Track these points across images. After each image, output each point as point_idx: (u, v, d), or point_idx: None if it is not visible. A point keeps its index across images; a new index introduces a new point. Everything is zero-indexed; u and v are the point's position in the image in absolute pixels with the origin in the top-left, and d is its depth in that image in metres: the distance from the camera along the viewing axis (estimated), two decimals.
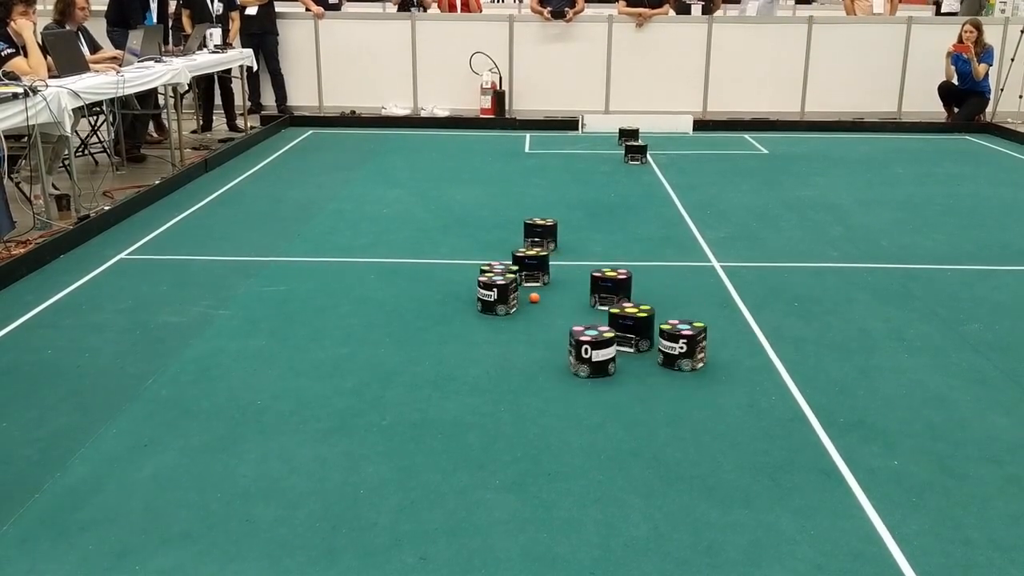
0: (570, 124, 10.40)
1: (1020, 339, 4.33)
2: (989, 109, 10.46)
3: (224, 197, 7.18)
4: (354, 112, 10.84)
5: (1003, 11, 12.89)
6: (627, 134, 9.32)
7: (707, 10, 11.08)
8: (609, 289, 4.70)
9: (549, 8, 10.76)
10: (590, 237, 6.03)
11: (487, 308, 4.60)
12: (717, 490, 3.06)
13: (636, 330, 4.16)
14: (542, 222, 5.72)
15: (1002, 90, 10.47)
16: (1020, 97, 10.43)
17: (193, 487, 3.07)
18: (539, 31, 10.88)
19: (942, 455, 3.27)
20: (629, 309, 4.23)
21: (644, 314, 4.17)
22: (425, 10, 11.24)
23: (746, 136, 10.00)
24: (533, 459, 3.25)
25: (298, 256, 5.63)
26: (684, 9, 11.11)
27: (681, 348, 3.94)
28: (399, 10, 11.24)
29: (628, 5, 10.86)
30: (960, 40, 10.09)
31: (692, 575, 2.63)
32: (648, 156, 8.57)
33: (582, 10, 10.85)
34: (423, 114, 10.87)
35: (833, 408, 3.62)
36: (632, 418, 3.56)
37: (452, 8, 11.35)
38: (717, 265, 5.44)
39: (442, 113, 10.83)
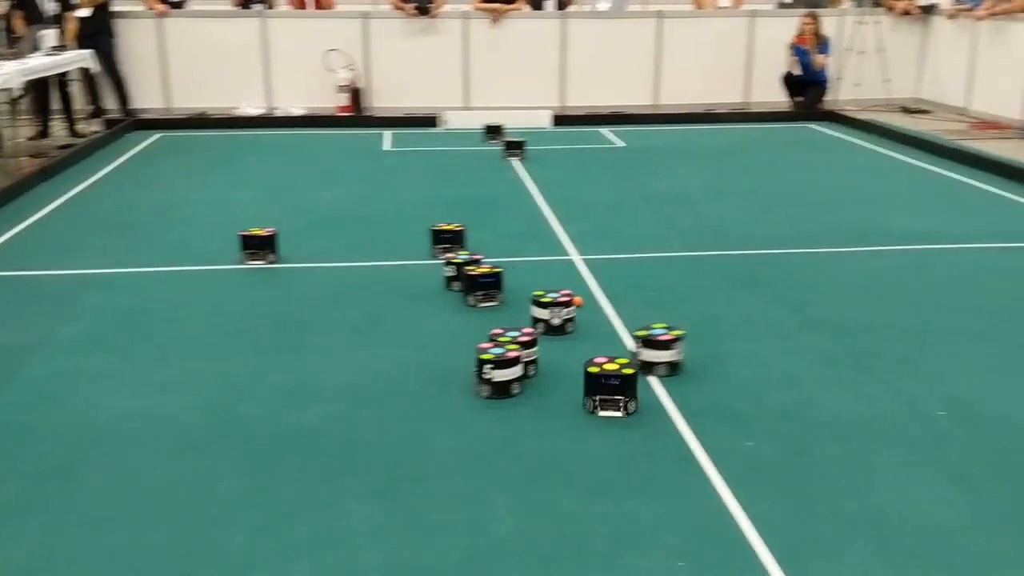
0: (430, 121, 10.34)
1: (862, 319, 4.55)
2: (829, 97, 11.00)
3: (65, 206, 6.80)
4: (204, 113, 10.46)
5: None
6: (493, 130, 9.35)
7: (561, 5, 11.22)
8: (487, 285, 4.64)
9: (414, 3, 10.65)
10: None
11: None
12: (579, 483, 3.09)
13: (623, 390, 3.52)
14: (448, 227, 5.49)
15: (840, 79, 11.03)
16: (856, 85, 11.00)
17: (33, 518, 2.87)
18: (394, 27, 10.77)
19: (792, 435, 3.40)
20: (607, 365, 3.55)
21: (629, 371, 3.54)
22: (271, 7, 10.94)
23: (603, 130, 10.19)
24: (397, 465, 3.20)
25: (147, 266, 5.38)
26: (538, 5, 11.21)
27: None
28: (242, 7, 10.85)
29: (483, 1, 10.88)
30: (800, 32, 10.56)
31: (557, 570, 2.64)
32: (525, 151, 8.57)
33: (444, 3, 10.80)
34: (278, 113, 10.59)
35: (689, 394, 3.71)
36: (494, 415, 3.56)
37: (302, 5, 11.09)
38: (577, 259, 5.51)
39: (298, 112, 10.58)
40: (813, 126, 10.46)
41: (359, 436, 3.40)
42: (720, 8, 11.68)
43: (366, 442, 3.35)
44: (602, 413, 3.52)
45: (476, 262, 4.86)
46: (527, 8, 11.08)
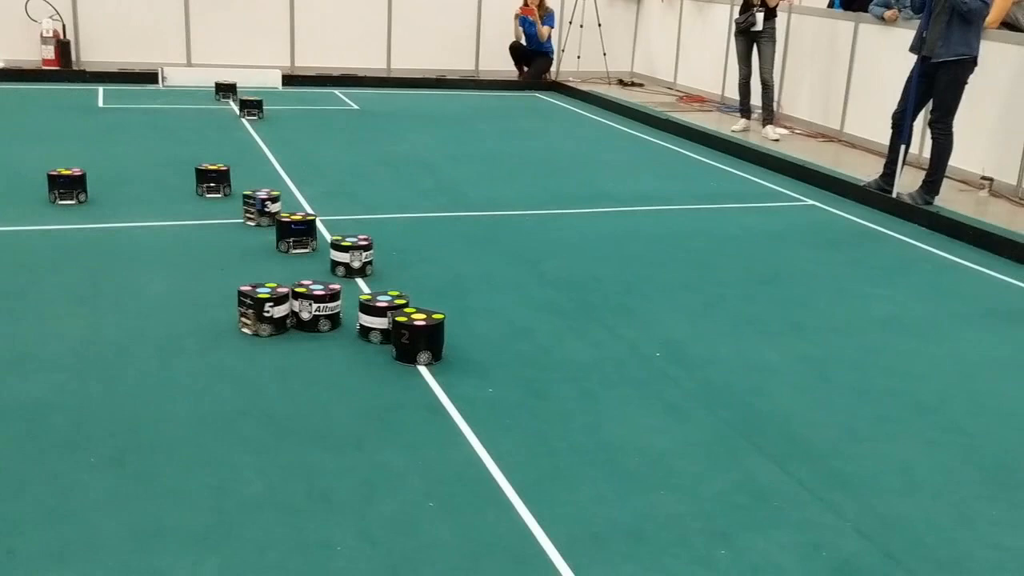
0: (150, 77, 9.71)
1: (586, 273, 4.89)
2: (553, 68, 11.54)
3: None
4: None
5: None
6: (225, 88, 8.94)
7: None
8: (300, 231, 4.80)
9: None
10: (180, 196, 5.72)
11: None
12: (329, 438, 3.11)
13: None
14: (214, 167, 5.76)
15: (563, 51, 11.60)
16: (578, 58, 11.62)
17: None
18: None
19: (529, 379, 3.62)
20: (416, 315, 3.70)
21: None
22: None
23: (336, 92, 10.07)
24: (131, 433, 3.05)
25: None
26: None
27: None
28: None
29: None
30: (526, 3, 10.97)
31: (308, 521, 2.66)
32: (264, 111, 8.28)
33: None
34: None
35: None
36: (239, 377, 3.48)
37: None
38: (317, 219, 5.44)
39: None
40: (539, 95, 10.94)
41: (88, 406, 3.20)
42: None
43: (97, 412, 3.17)
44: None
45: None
46: None
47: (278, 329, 3.84)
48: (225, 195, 5.74)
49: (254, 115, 8.22)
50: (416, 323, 3.64)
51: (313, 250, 4.85)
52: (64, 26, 9.75)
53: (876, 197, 6.62)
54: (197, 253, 4.80)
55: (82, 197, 5.43)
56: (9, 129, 7.34)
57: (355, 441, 3.10)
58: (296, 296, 3.90)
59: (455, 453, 3.07)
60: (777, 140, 8.51)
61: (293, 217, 4.86)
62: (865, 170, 7.28)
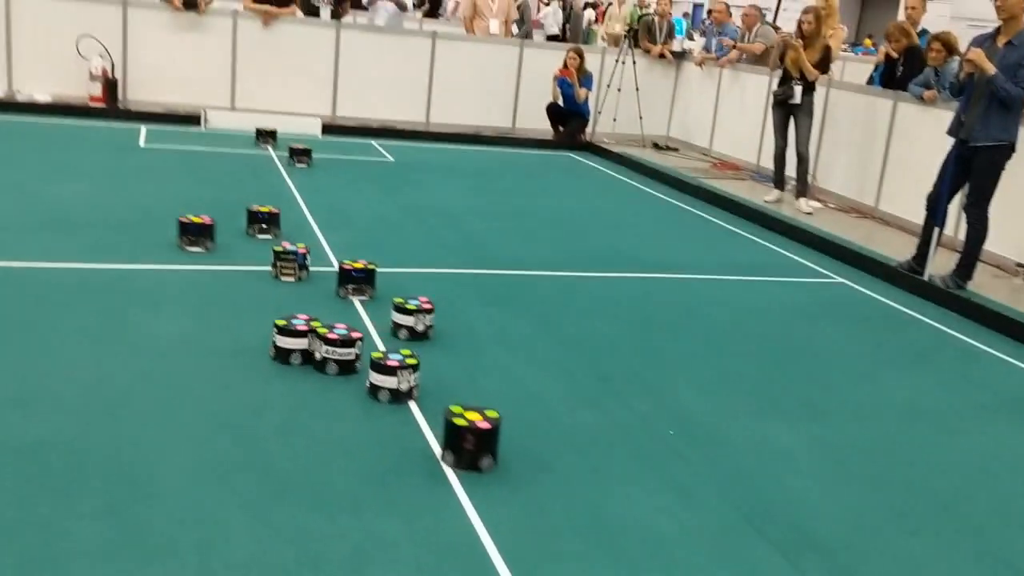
0: (192, 119, 9.88)
1: (603, 338, 4.82)
2: (588, 129, 11.59)
3: None
4: None
5: (603, 40, 14.29)
6: (265, 135, 9.09)
7: (336, 14, 11.10)
8: (359, 279, 4.95)
9: None
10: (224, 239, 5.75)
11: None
12: (326, 499, 3.05)
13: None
14: (265, 209, 5.88)
15: (599, 113, 11.66)
16: (614, 120, 11.67)
17: None
18: (158, 18, 10.20)
19: (534, 449, 3.54)
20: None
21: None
22: None
23: (373, 143, 10.17)
24: (127, 482, 3.02)
25: None
26: (313, 11, 11.03)
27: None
28: None
29: (254, 2, 10.55)
30: (565, 65, 11.07)
31: None
32: (312, 158, 8.40)
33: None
34: (19, 98, 9.72)
35: (441, 410, 3.75)
36: (243, 429, 3.45)
37: None
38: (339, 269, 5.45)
39: (43, 99, 9.76)
40: (573, 155, 10.98)
41: (87, 450, 3.18)
42: (491, 35, 12.01)
43: (95, 456, 3.14)
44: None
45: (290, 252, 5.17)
46: (300, 14, 10.87)
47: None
48: (274, 236, 5.84)
49: (303, 163, 8.33)
50: (480, 426, 3.31)
51: (371, 298, 4.95)
52: (113, 65, 9.97)
53: (907, 278, 6.51)
54: (217, 298, 4.80)
55: (209, 245, 5.51)
56: (47, 163, 7.47)
57: (352, 505, 3.04)
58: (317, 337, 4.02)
59: (452, 524, 3.00)
60: (810, 213, 8.44)
61: (355, 265, 5.02)
62: (898, 249, 7.17)
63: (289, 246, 5.21)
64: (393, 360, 3.82)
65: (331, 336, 3.99)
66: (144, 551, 2.68)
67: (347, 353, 4.00)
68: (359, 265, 5.03)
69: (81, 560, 2.60)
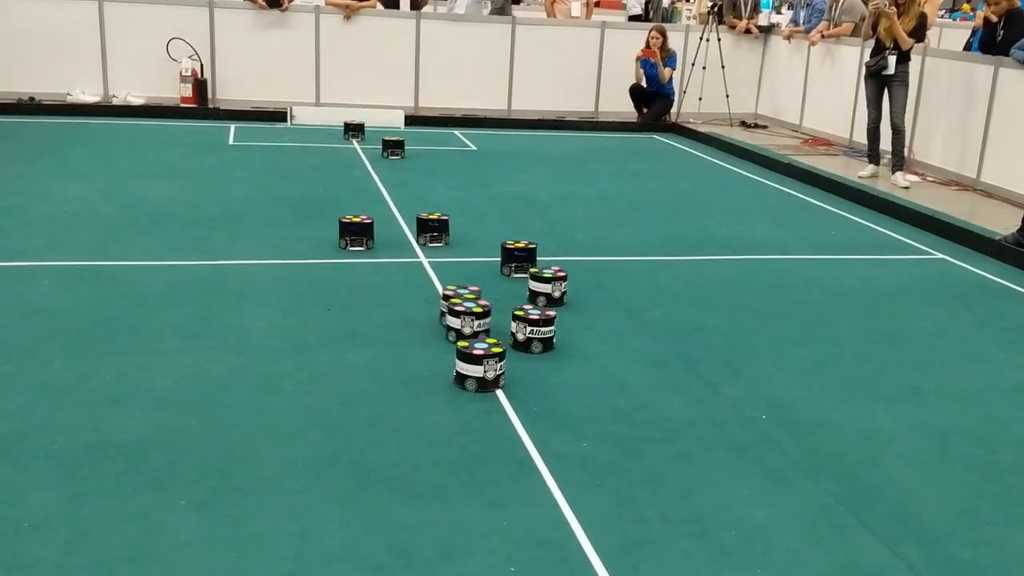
0: (279, 116, 10.09)
1: (691, 323, 4.73)
2: (673, 110, 11.39)
3: None
4: (33, 99, 9.83)
5: (688, 19, 14.05)
6: (353, 128, 9.22)
7: (415, 5, 11.16)
8: (521, 258, 5.25)
9: None
10: (293, 235, 5.86)
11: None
12: (414, 489, 3.07)
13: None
14: (434, 216, 5.86)
15: (684, 92, 11.45)
16: (700, 99, 11.45)
17: None
18: (242, 18, 10.44)
19: (622, 437, 3.49)
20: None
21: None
22: None
23: (456, 132, 10.20)
24: (223, 474, 3.09)
25: None
26: (392, 3, 11.12)
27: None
28: None
29: None
30: (647, 45, 10.90)
31: None
32: (404, 150, 8.49)
33: None
34: (115, 102, 10.08)
35: (528, 398, 3.75)
36: (331, 422, 3.49)
37: None
38: (425, 261, 5.49)
39: (137, 101, 10.09)
40: (658, 137, 10.81)
41: (184, 445, 3.26)
42: (572, 18, 11.91)
43: (191, 451, 3.22)
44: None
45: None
46: (380, 6, 10.97)
47: None
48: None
49: (397, 155, 8.42)
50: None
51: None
52: (202, 66, 10.24)
53: (1012, 252, 6.20)
54: (318, 292, 4.88)
55: (369, 243, 5.63)
56: (141, 163, 7.71)
57: (440, 494, 3.05)
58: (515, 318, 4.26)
59: (540, 513, 2.98)
60: (907, 188, 8.12)
61: (516, 244, 5.33)
62: (1002, 222, 6.85)
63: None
64: (479, 349, 3.82)
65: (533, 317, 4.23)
66: (240, 542, 2.73)
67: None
68: (520, 245, 5.33)
69: (180, 552, 2.67)
